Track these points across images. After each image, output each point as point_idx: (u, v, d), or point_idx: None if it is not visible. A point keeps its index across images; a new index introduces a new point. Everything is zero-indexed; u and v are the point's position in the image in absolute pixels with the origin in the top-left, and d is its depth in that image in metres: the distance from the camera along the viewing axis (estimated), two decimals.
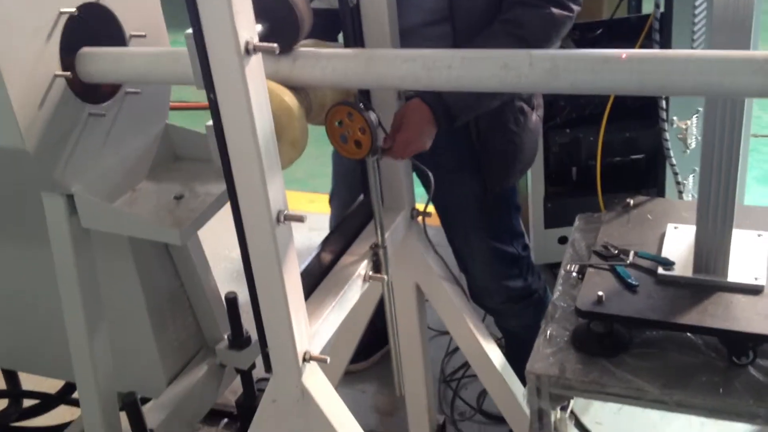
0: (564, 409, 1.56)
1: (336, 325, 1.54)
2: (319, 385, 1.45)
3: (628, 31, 2.39)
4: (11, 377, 2.42)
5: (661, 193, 2.60)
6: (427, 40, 1.75)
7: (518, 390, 1.95)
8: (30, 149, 1.47)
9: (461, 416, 2.48)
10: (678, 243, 1.63)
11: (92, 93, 1.59)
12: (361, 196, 1.77)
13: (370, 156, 1.49)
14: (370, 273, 1.64)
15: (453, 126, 1.67)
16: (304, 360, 1.41)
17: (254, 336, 2.00)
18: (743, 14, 1.26)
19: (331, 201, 2.37)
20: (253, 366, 2.07)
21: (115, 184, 1.68)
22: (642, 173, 2.69)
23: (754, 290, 1.49)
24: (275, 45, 1.16)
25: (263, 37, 1.19)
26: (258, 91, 1.19)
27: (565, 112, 2.62)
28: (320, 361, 1.43)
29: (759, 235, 1.62)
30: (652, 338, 1.50)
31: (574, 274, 1.66)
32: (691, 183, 2.53)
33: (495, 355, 1.95)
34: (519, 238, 2.09)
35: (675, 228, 1.68)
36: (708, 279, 1.52)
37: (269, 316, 1.37)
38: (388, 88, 1.52)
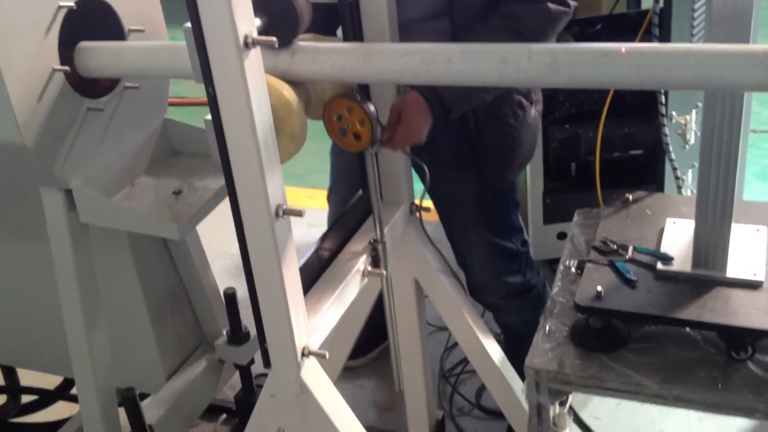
0: (563, 404, 1.56)
1: (335, 320, 1.54)
2: (317, 380, 1.45)
3: (627, 26, 2.39)
4: (10, 373, 2.42)
5: (660, 188, 2.60)
6: (426, 35, 1.75)
7: (517, 385, 1.95)
8: (28, 144, 1.47)
9: (460, 411, 2.48)
10: (677, 238, 1.63)
11: (91, 87, 1.59)
12: (360, 192, 1.77)
13: (369, 148, 1.49)
14: (369, 268, 1.63)
15: (448, 119, 1.67)
16: (303, 355, 1.41)
17: (253, 331, 2.00)
18: (743, 8, 1.26)
19: (329, 198, 2.36)
20: (252, 361, 2.07)
21: (113, 178, 1.68)
22: (641, 169, 2.69)
23: (752, 285, 1.49)
24: (274, 39, 1.16)
25: (262, 31, 1.19)
26: (257, 85, 1.18)
27: (565, 107, 2.62)
28: (319, 356, 1.43)
29: (758, 230, 1.62)
30: (650, 333, 1.50)
31: (573, 269, 1.66)
32: (690, 178, 2.53)
33: (494, 350, 1.95)
34: (518, 233, 2.09)
35: (674, 223, 1.68)
36: (707, 274, 1.53)
37: (268, 310, 1.37)
38: (386, 83, 1.51)
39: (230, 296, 1.99)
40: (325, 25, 1.59)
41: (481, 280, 2.11)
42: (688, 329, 1.48)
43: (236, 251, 1.35)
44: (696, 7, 2.25)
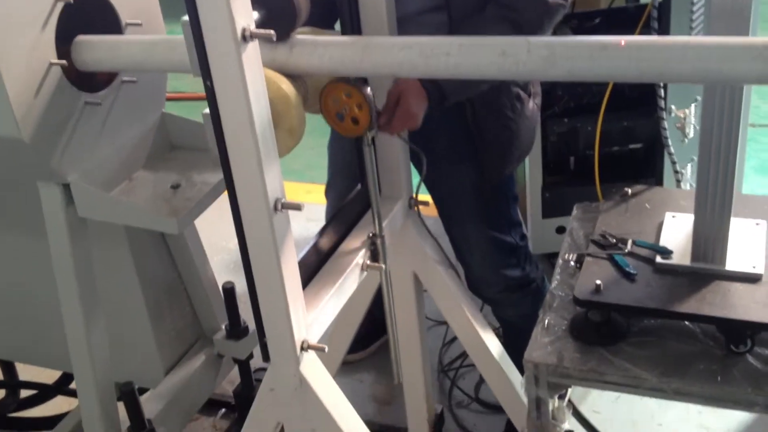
0: (562, 397, 1.56)
1: (334, 314, 1.54)
2: (317, 374, 1.45)
3: (626, 20, 2.39)
4: (8, 368, 2.42)
5: (659, 182, 2.61)
6: (424, 28, 1.75)
7: (516, 379, 1.95)
8: (26, 138, 1.47)
9: (459, 405, 2.48)
10: (676, 232, 1.63)
11: (88, 81, 1.59)
12: (359, 186, 1.76)
13: (368, 132, 1.48)
14: (368, 262, 1.63)
15: (443, 105, 1.67)
16: (302, 349, 1.41)
17: (252, 326, 2.00)
18: (742, 1, 1.26)
19: (327, 192, 2.36)
20: (251, 356, 2.07)
21: (111, 173, 1.67)
22: (640, 162, 2.69)
23: (752, 278, 1.49)
24: (272, 32, 1.16)
25: (260, 25, 1.19)
26: (255, 79, 1.18)
27: (563, 101, 2.62)
28: (318, 350, 1.43)
29: (757, 224, 1.62)
30: (650, 327, 1.50)
31: (572, 263, 1.66)
32: (689, 172, 2.53)
33: (493, 344, 1.95)
34: (517, 227, 2.09)
35: (673, 217, 1.68)
36: (706, 267, 1.53)
37: (267, 304, 1.37)
38: (385, 76, 1.51)
39: (229, 291, 1.99)
40: (323, 18, 1.58)
41: (479, 274, 2.11)
42: (687, 322, 1.48)
43: (234, 246, 1.35)
44: (695, 0, 2.24)
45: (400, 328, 1.85)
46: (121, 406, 1.84)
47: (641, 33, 2.29)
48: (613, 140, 2.62)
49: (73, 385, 2.31)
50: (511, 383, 1.95)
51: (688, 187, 2.50)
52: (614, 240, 1.63)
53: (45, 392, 2.46)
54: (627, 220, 1.71)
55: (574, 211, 1.83)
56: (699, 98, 2.39)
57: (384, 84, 1.58)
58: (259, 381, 1.54)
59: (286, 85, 1.32)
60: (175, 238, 1.91)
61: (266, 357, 1.44)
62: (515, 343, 1.83)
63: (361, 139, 1.57)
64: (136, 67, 1.58)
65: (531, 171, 2.71)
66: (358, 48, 1.33)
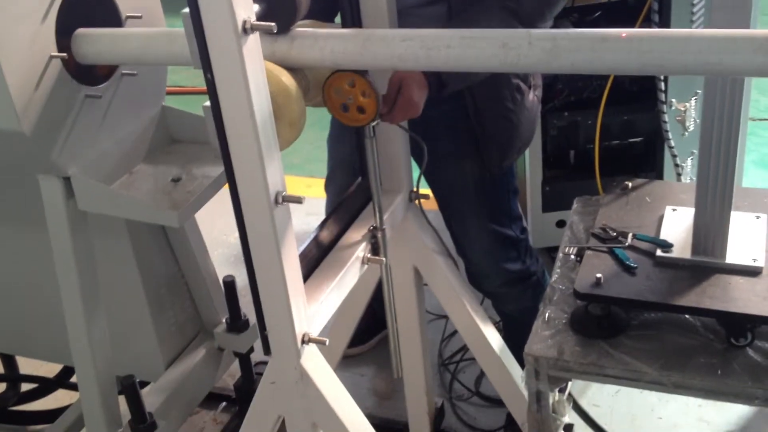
0: (562, 391, 1.56)
1: (334, 307, 1.54)
2: (318, 366, 1.45)
3: (626, 13, 2.38)
4: (9, 361, 2.42)
5: (659, 176, 2.60)
6: (424, 21, 1.75)
7: (516, 373, 1.95)
8: (26, 131, 1.47)
9: (459, 399, 2.49)
10: (676, 225, 1.63)
11: (88, 74, 1.58)
12: (359, 179, 1.76)
13: (374, 121, 1.47)
14: (369, 255, 1.63)
15: (442, 93, 1.66)
16: (303, 342, 1.41)
17: (252, 319, 2.01)
18: None
19: (326, 186, 2.36)
20: (252, 349, 2.08)
21: (111, 166, 1.67)
22: (640, 156, 2.69)
23: (752, 272, 1.49)
24: (273, 24, 1.15)
25: (261, 17, 1.18)
26: (256, 71, 1.18)
27: (563, 95, 2.61)
28: (319, 343, 1.43)
29: (757, 217, 1.62)
30: (650, 320, 1.50)
31: (573, 256, 1.66)
32: (689, 165, 2.53)
33: (493, 338, 1.96)
34: (517, 221, 2.09)
35: (673, 210, 1.68)
36: (706, 261, 1.53)
37: (268, 297, 1.37)
38: (386, 69, 1.51)
39: (229, 284, 1.99)
40: (323, 11, 1.58)
41: (480, 267, 2.11)
42: (687, 316, 1.48)
43: (234, 240, 1.35)
44: None
45: (401, 322, 1.85)
46: (122, 400, 1.84)
47: (642, 26, 2.28)
48: (613, 134, 2.62)
49: (73, 379, 2.31)
50: (511, 377, 1.95)
51: (688, 181, 2.50)
52: (614, 233, 1.64)
53: (46, 386, 2.47)
54: (627, 214, 1.71)
55: (575, 205, 1.83)
56: (699, 92, 2.39)
57: (384, 74, 1.58)
58: (260, 374, 1.54)
59: (287, 78, 1.32)
60: (176, 231, 1.91)
61: (267, 350, 1.44)
62: (515, 337, 1.83)
63: (363, 132, 1.57)
64: (136, 60, 1.58)
65: (531, 165, 2.71)
66: (359, 41, 1.32)
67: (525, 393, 1.56)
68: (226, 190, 1.35)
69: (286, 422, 1.52)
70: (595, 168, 2.37)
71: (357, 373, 2.62)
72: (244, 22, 1.14)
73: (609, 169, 2.34)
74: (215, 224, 2.91)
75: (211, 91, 1.21)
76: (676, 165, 2.46)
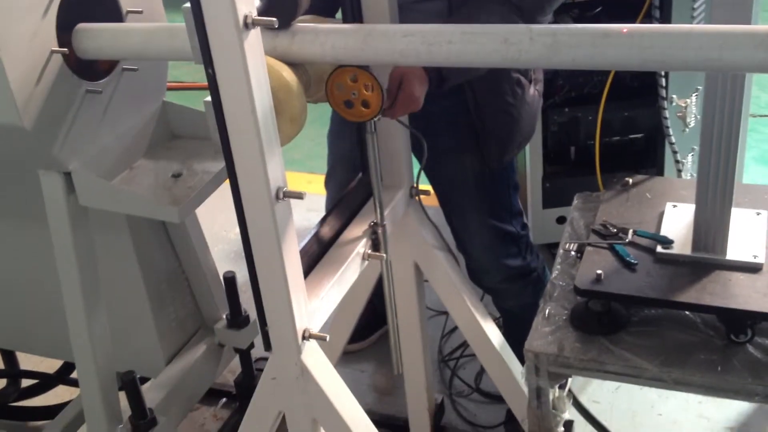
0: (562, 387, 1.57)
1: (335, 303, 1.54)
2: (318, 363, 1.45)
3: (627, 8, 2.38)
4: (9, 357, 2.42)
5: (660, 172, 2.60)
6: (424, 16, 1.74)
7: (516, 369, 1.95)
8: (27, 126, 1.46)
9: (459, 395, 2.49)
10: (677, 221, 1.63)
11: (89, 70, 1.58)
12: (360, 175, 1.76)
13: (377, 116, 1.46)
14: (369, 251, 1.63)
15: (443, 88, 1.66)
16: (304, 338, 1.41)
17: (253, 315, 2.01)
18: None
19: (326, 183, 2.35)
20: (252, 345, 2.08)
21: (112, 161, 1.67)
22: (641, 152, 2.69)
23: (752, 268, 1.49)
24: (274, 19, 1.15)
25: (262, 12, 1.18)
26: (257, 66, 1.18)
27: (564, 91, 2.61)
28: (320, 339, 1.43)
29: (758, 214, 1.62)
30: (650, 316, 1.50)
31: (573, 252, 1.66)
32: (690, 162, 2.53)
33: (493, 334, 1.96)
34: (518, 216, 2.09)
35: (674, 207, 1.68)
36: (707, 257, 1.53)
37: (268, 293, 1.37)
38: (387, 64, 1.51)
39: (230, 280, 1.99)
40: (324, 7, 1.58)
41: (480, 263, 2.11)
42: (687, 312, 1.48)
43: (235, 236, 1.35)
44: None
45: (401, 318, 1.85)
46: (122, 396, 1.84)
47: (642, 22, 2.28)
48: (614, 130, 2.62)
49: (74, 375, 2.31)
50: (511, 373, 1.95)
51: (689, 177, 2.50)
52: (615, 230, 1.64)
53: (46, 381, 2.46)
54: (628, 210, 1.71)
55: (575, 201, 1.83)
56: (700, 88, 2.39)
57: (384, 69, 1.57)
58: (260, 370, 1.54)
59: (288, 73, 1.32)
60: (176, 227, 1.91)
61: (267, 346, 1.44)
62: (516, 333, 1.83)
63: (364, 128, 1.57)
64: (137, 55, 1.58)
65: (531, 161, 2.71)
66: (360, 36, 1.32)
67: (525, 389, 1.56)
68: (226, 185, 1.36)
69: (286, 418, 1.52)
70: (596, 164, 2.37)
71: (357, 369, 2.62)
72: (246, 17, 1.14)
73: (609, 165, 2.34)
74: (216, 220, 2.91)
75: (212, 87, 1.20)
76: (677, 161, 2.46)
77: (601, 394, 2.40)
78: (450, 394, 2.48)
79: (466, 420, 2.40)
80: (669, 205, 1.68)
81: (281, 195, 1.27)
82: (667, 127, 2.37)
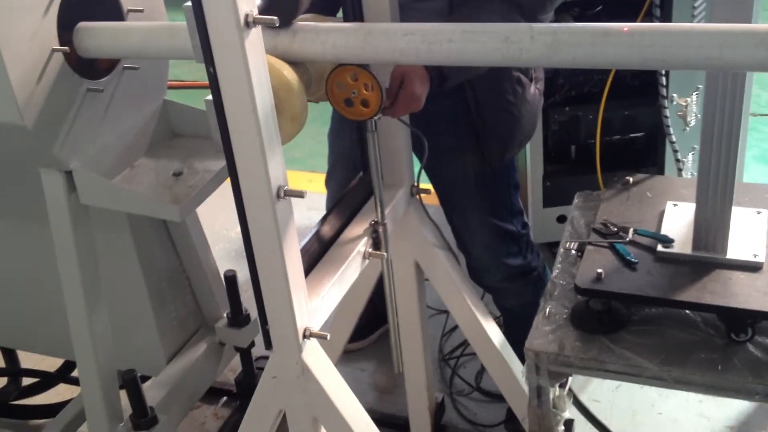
0: (562, 386, 1.57)
1: (336, 301, 1.54)
2: (319, 361, 1.46)
3: (628, 7, 2.38)
4: (10, 356, 2.42)
5: (660, 171, 2.60)
6: (424, 15, 1.74)
7: (517, 368, 1.95)
8: (28, 125, 1.47)
9: (459, 394, 2.49)
10: (677, 220, 1.63)
11: (90, 68, 1.58)
12: (360, 173, 1.76)
13: (377, 114, 1.47)
14: (370, 250, 1.63)
15: (444, 87, 1.67)
16: (304, 336, 1.41)
17: (253, 314, 2.01)
18: None
19: (327, 182, 2.36)
20: (253, 344, 2.08)
21: (113, 160, 1.67)
22: (641, 151, 2.69)
23: (753, 267, 1.49)
24: (275, 18, 1.15)
25: (263, 11, 1.18)
26: (258, 65, 1.18)
27: (564, 90, 2.61)
28: (320, 338, 1.43)
29: (758, 213, 1.63)
30: (651, 315, 1.50)
31: (573, 251, 1.66)
32: (690, 161, 2.53)
33: (494, 332, 1.96)
34: (518, 215, 2.09)
35: (674, 205, 1.68)
36: (707, 256, 1.53)
37: (269, 292, 1.37)
38: (388, 63, 1.51)
39: (230, 279, 1.99)
40: (325, 6, 1.58)
41: (481, 262, 2.11)
42: (688, 311, 1.48)
43: (235, 235, 1.35)
44: None
45: (401, 317, 1.85)
46: (123, 394, 1.84)
47: (643, 21, 2.28)
48: (614, 129, 2.62)
49: (75, 373, 2.31)
50: (512, 372, 1.96)
51: (689, 176, 2.50)
52: (615, 229, 1.64)
53: (47, 380, 2.47)
54: (628, 209, 1.71)
55: (575, 200, 1.83)
56: (701, 87, 2.39)
57: (385, 67, 1.58)
58: (261, 369, 1.54)
59: (289, 72, 1.32)
60: (177, 225, 1.92)
61: (268, 345, 1.44)
62: (516, 332, 1.84)
63: (365, 127, 1.57)
64: (138, 53, 1.58)
65: (532, 160, 2.71)
66: (361, 35, 1.32)
67: (525, 388, 1.56)
68: (227, 184, 1.36)
69: (287, 417, 1.52)
70: (596, 163, 2.37)
71: (358, 367, 2.62)
72: (246, 16, 1.14)
73: (610, 164, 2.34)
74: (217, 218, 2.91)
75: (213, 85, 1.21)
76: (677, 160, 2.46)
77: (602, 393, 2.40)
78: (450, 393, 2.49)
79: (466, 419, 2.40)
80: (669, 204, 1.68)
81: (282, 193, 1.27)
82: (668, 126, 2.37)
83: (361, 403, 1.55)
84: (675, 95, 2.39)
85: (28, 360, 2.44)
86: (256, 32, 1.17)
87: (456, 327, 2.55)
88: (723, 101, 1.39)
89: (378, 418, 1.70)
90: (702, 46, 1.13)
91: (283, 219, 1.29)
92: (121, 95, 1.66)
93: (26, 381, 2.48)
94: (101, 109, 1.63)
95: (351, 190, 1.75)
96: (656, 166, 2.62)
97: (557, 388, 1.55)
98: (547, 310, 1.54)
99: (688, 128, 2.45)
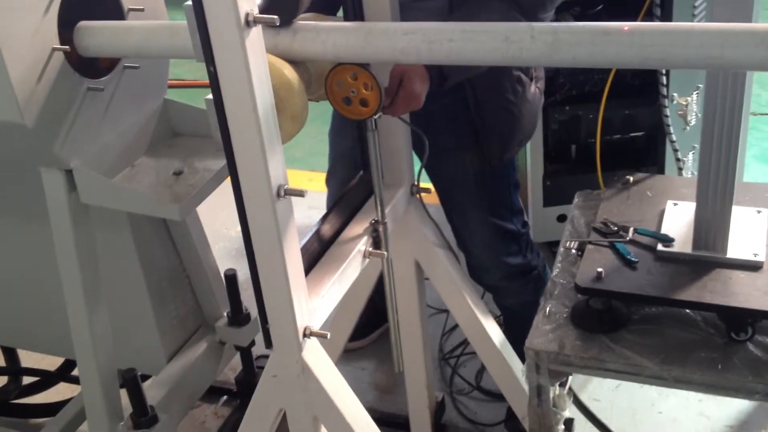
0: (563, 385, 1.57)
1: (336, 300, 1.54)
2: (319, 360, 1.46)
3: (628, 7, 2.38)
4: (11, 354, 2.42)
5: (660, 170, 2.61)
6: (424, 14, 1.74)
7: (517, 367, 1.95)
8: (28, 124, 1.47)
9: (460, 393, 2.49)
10: (677, 220, 1.63)
11: (90, 67, 1.58)
12: (361, 172, 1.76)
13: (377, 114, 1.47)
14: (370, 249, 1.63)
15: (443, 86, 1.67)
16: (305, 335, 1.41)
17: (253, 313, 2.01)
18: None
19: (328, 181, 2.36)
20: (253, 343, 2.08)
21: (113, 159, 1.67)
22: (642, 150, 2.69)
23: (753, 266, 1.50)
24: (275, 17, 1.15)
25: (263, 10, 1.18)
26: (258, 64, 1.18)
27: (565, 89, 2.61)
28: (320, 337, 1.43)
29: (758, 212, 1.63)
30: (651, 314, 1.50)
31: (574, 251, 1.66)
32: (690, 160, 2.53)
33: (494, 332, 1.96)
34: (518, 214, 2.09)
35: (674, 205, 1.68)
36: (707, 255, 1.53)
37: (269, 291, 1.37)
38: (388, 62, 1.51)
39: (231, 278, 1.99)
40: (325, 6, 1.58)
41: (481, 261, 2.11)
42: (688, 310, 1.48)
43: (236, 234, 1.35)
44: None
45: (401, 316, 1.85)
46: (123, 393, 1.84)
47: (644, 20, 2.28)
48: (614, 128, 2.62)
49: (75, 372, 2.31)
50: (512, 371, 1.96)
51: (689, 175, 2.50)
52: (616, 228, 1.64)
53: (47, 379, 2.47)
54: (628, 208, 1.71)
55: (576, 199, 1.83)
56: (701, 86, 2.39)
57: (386, 66, 1.58)
58: (261, 368, 1.54)
59: (289, 71, 1.32)
60: (178, 224, 1.92)
61: (269, 344, 1.44)
62: (516, 331, 1.84)
63: (365, 125, 1.57)
64: (138, 52, 1.58)
65: (532, 159, 2.71)
66: (361, 34, 1.32)
67: (525, 387, 1.56)
68: (227, 183, 1.36)
69: (287, 416, 1.52)
70: (597, 162, 2.37)
71: (358, 366, 2.63)
72: (247, 15, 1.14)
73: (610, 164, 2.34)
74: (217, 217, 2.91)
75: (214, 84, 1.21)
76: (678, 159, 2.46)
77: (602, 392, 2.40)
78: (450, 392, 2.49)
79: (466, 418, 2.40)
80: (670, 204, 1.68)
81: (282, 193, 1.27)
82: (668, 126, 2.37)
83: (362, 402, 1.55)
84: (675, 94, 2.39)
85: (28, 359, 2.44)
86: (257, 31, 1.17)
87: (456, 326, 2.55)
88: (723, 100, 1.39)
89: (378, 417, 1.70)
90: (702, 46, 1.13)
91: (284, 218, 1.29)
92: (121, 94, 1.66)
93: (26, 380, 2.48)
94: (102, 108, 1.63)
95: (351, 189, 1.75)
96: (656, 166, 2.62)
97: (557, 387, 1.55)
98: (548, 309, 1.54)
99: (688, 127, 2.45)
